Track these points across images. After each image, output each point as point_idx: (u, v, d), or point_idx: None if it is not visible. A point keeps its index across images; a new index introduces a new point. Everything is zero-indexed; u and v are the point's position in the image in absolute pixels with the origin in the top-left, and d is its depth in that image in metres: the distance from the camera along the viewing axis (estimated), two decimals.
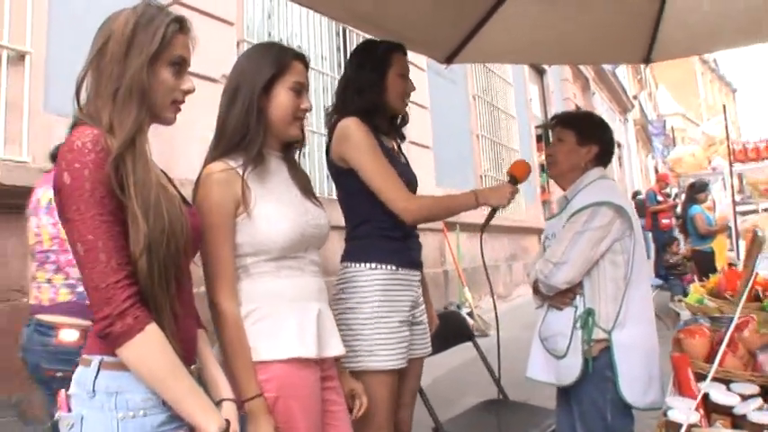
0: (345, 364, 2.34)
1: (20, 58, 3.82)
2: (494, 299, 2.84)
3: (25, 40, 3.84)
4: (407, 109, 2.73)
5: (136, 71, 1.50)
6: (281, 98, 2.01)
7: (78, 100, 1.55)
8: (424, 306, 2.68)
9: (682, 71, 45.42)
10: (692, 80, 50.60)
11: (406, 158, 2.77)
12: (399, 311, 2.45)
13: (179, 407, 1.46)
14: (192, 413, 1.46)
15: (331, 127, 2.57)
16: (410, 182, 2.59)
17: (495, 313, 2.75)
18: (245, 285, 1.93)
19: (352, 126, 2.45)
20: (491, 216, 2.63)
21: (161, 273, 1.46)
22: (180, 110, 1.66)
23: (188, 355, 1.58)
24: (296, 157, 2.19)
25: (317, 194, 2.25)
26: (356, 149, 2.44)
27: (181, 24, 1.61)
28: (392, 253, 2.49)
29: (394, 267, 2.47)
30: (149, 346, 1.42)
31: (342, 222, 2.63)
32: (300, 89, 2.04)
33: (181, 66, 1.61)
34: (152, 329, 1.42)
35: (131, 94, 1.50)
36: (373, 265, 2.45)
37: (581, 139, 2.80)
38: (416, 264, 2.62)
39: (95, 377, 1.45)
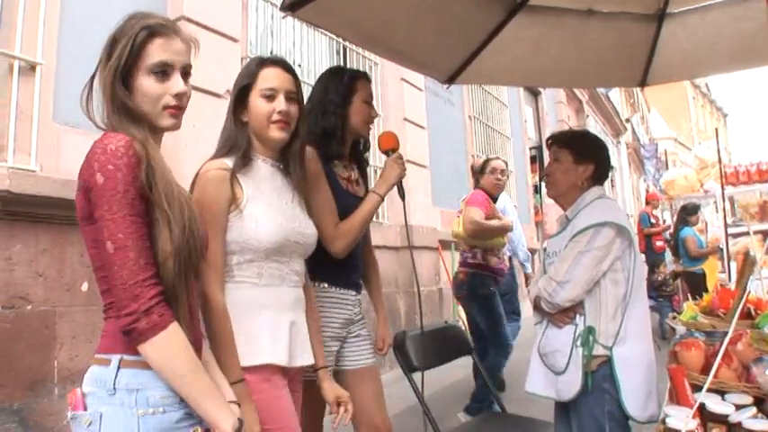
0: None
1: (31, 69, 3.86)
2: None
3: (36, 51, 3.89)
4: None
5: (111, 89, 1.56)
6: (254, 105, 2.15)
7: (88, 109, 1.61)
8: (362, 321, 2.77)
9: (674, 95, 45.73)
10: (684, 104, 50.85)
11: (366, 186, 2.85)
12: (328, 326, 2.55)
13: (197, 404, 1.51)
14: (209, 410, 1.51)
15: None
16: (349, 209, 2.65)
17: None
18: (228, 290, 2.01)
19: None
20: (400, 189, 2.67)
21: (182, 274, 1.53)
22: (177, 113, 1.67)
23: (197, 354, 1.64)
24: (296, 165, 2.26)
25: None
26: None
27: (153, 29, 1.61)
28: (327, 273, 2.59)
29: (326, 285, 2.59)
30: (172, 343, 1.47)
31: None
32: (272, 94, 2.14)
33: (165, 70, 1.62)
34: (175, 328, 1.47)
35: (119, 112, 1.57)
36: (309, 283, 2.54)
37: (577, 158, 2.85)
38: (353, 284, 2.73)
39: (116, 375, 1.49)
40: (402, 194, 2.69)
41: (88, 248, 1.54)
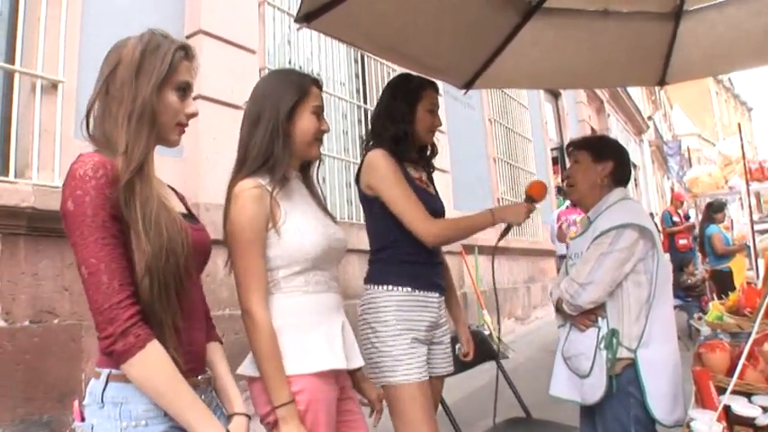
0: (374, 378, 2.50)
1: (53, 86, 3.92)
2: (499, 319, 2.91)
3: (58, 69, 3.94)
4: (436, 139, 2.86)
5: (147, 95, 1.59)
6: (305, 122, 2.12)
7: (88, 124, 1.63)
8: (446, 327, 2.78)
9: (696, 91, 45.27)
10: (707, 100, 50.36)
11: (435, 189, 2.90)
12: (414, 330, 2.56)
13: (180, 419, 1.54)
14: (192, 424, 1.53)
15: (363, 156, 2.72)
16: (435, 210, 2.70)
17: (499, 332, 2.80)
18: (276, 300, 2.01)
19: (378, 157, 2.62)
20: (505, 233, 2.78)
21: (161, 289, 1.54)
22: (184, 132, 1.74)
23: (195, 366, 1.67)
24: (313, 175, 2.30)
25: (338, 219, 2.34)
26: (381, 178, 2.59)
27: (186, 51, 1.70)
28: (408, 276, 2.61)
29: (409, 289, 2.59)
30: (150, 362, 1.49)
31: (360, 246, 2.72)
32: (320, 112, 2.16)
33: (185, 90, 1.70)
34: (152, 347, 1.50)
35: (142, 118, 1.58)
36: (389, 287, 2.58)
37: (596, 156, 2.87)
38: (436, 286, 2.72)
39: (104, 388, 1.55)
40: (503, 235, 2.79)
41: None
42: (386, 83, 2.91)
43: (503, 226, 2.73)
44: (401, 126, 2.69)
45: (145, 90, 1.59)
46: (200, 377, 1.69)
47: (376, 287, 2.61)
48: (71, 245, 1.50)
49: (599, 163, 2.85)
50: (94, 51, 4.13)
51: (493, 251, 2.77)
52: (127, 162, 1.53)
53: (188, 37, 4.85)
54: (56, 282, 3.73)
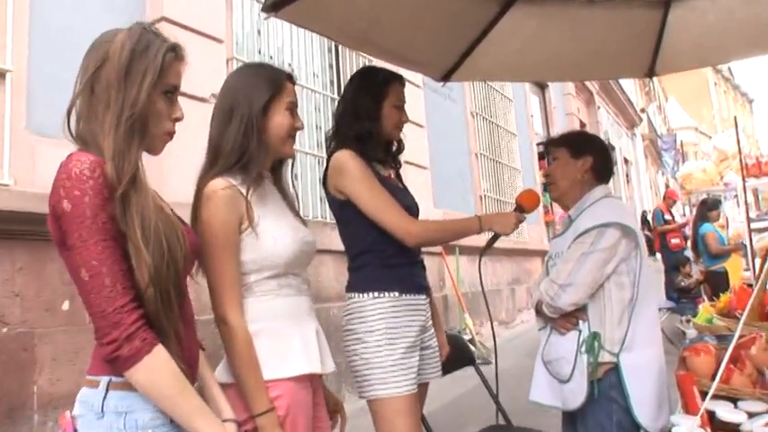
0: (361, 393, 2.55)
1: (0, 76, 3.90)
2: (492, 326, 2.96)
3: (5, 58, 3.91)
4: (402, 134, 2.88)
5: (139, 100, 1.59)
6: (279, 118, 2.15)
7: (69, 123, 1.63)
8: (433, 330, 2.82)
9: (693, 82, 45.40)
10: (705, 91, 50.52)
11: (404, 185, 2.93)
12: (406, 337, 2.58)
13: (188, 425, 1.57)
14: (201, 429, 1.56)
15: (327, 157, 2.75)
16: (410, 207, 2.74)
17: (494, 337, 2.84)
18: (249, 304, 2.04)
19: (347, 158, 2.62)
20: (492, 242, 2.78)
21: (164, 298, 1.56)
22: (170, 140, 1.75)
23: (192, 374, 1.70)
24: (285, 174, 2.33)
25: (311, 218, 2.37)
26: (352, 180, 2.61)
27: (176, 52, 1.70)
28: (394, 280, 2.63)
29: (397, 294, 2.61)
30: (158, 367, 1.52)
31: (334, 246, 2.73)
32: (294, 108, 2.20)
33: (173, 94, 1.71)
34: (159, 351, 1.52)
35: (133, 127, 1.59)
36: (376, 294, 2.60)
37: (574, 152, 2.92)
38: (422, 288, 2.76)
39: (104, 397, 1.55)
40: (489, 245, 2.79)
41: (69, 274, 1.57)
42: (398, 78, 2.89)
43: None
44: (366, 124, 2.70)
45: (134, 95, 1.59)
46: (194, 385, 1.72)
47: (360, 295, 2.62)
48: (66, 248, 1.51)
49: (578, 159, 2.90)
50: (45, 38, 4.16)
51: (479, 261, 2.77)
52: (117, 172, 1.53)
53: (140, 22, 4.81)
54: (5, 287, 3.70)
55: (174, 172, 4.29)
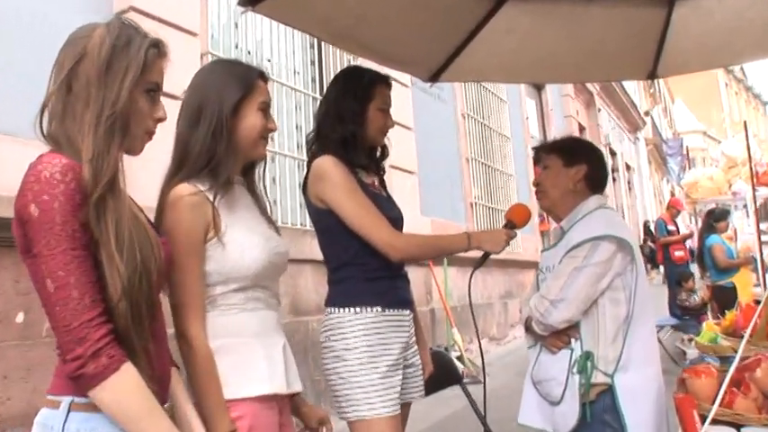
0: (341, 414, 2.55)
1: None
2: (479, 340, 2.97)
3: None
4: (387, 138, 2.89)
5: (119, 100, 1.59)
6: (251, 119, 2.15)
7: (42, 122, 1.62)
8: (416, 347, 2.83)
9: (702, 83, 45.20)
10: (715, 93, 50.37)
11: (388, 193, 2.95)
12: (389, 355, 2.60)
13: None
14: None
15: (308, 162, 2.77)
16: (395, 218, 2.77)
17: (481, 354, 2.86)
18: (212, 318, 2.03)
19: (328, 164, 2.64)
20: (482, 261, 2.78)
21: (135, 313, 1.55)
22: (149, 141, 1.75)
23: (162, 393, 1.69)
24: (257, 178, 2.33)
25: (290, 225, 2.38)
26: (334, 188, 2.62)
27: (159, 48, 1.71)
28: (377, 294, 2.65)
29: (380, 309, 2.63)
30: (125, 386, 1.50)
31: (314, 255, 2.74)
32: (266, 108, 2.20)
33: (155, 93, 1.71)
34: (127, 369, 1.51)
35: (113, 126, 1.58)
36: (358, 309, 2.61)
37: (567, 160, 2.94)
38: (406, 302, 2.77)
39: (65, 419, 1.53)
40: (479, 264, 2.78)
41: (33, 283, 1.56)
42: (385, 79, 2.90)
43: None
44: (350, 127, 2.71)
45: (116, 93, 1.59)
46: (165, 405, 1.70)
47: (341, 310, 2.63)
48: (32, 256, 1.50)
49: (571, 167, 2.91)
50: (7, 31, 4.12)
51: (469, 280, 2.79)
52: (94, 175, 1.52)
53: (119, 15, 4.80)
54: None
55: (142, 173, 4.22)
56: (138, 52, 1.64)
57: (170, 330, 1.91)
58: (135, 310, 1.55)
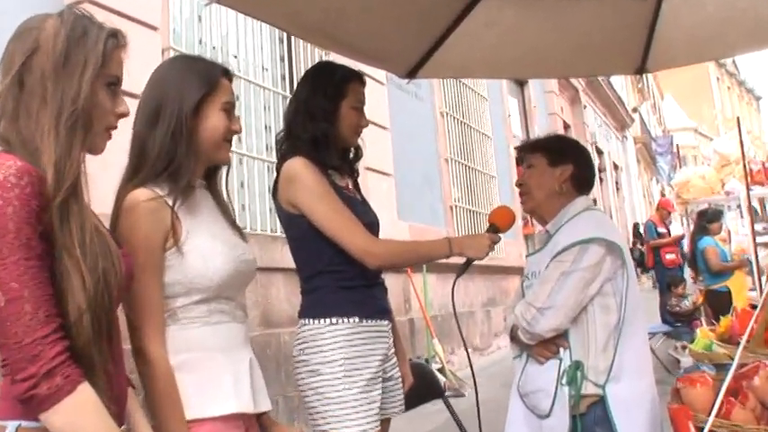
0: (316, 431, 2.53)
1: None
2: (467, 351, 2.97)
3: None
4: (361, 138, 2.89)
5: (81, 94, 1.56)
6: (213, 120, 2.12)
7: None
8: (395, 360, 2.83)
9: (693, 77, 45.44)
10: (706, 87, 50.64)
11: (363, 196, 2.94)
12: (367, 368, 2.59)
13: None
14: None
15: (278, 164, 2.75)
16: (371, 223, 2.76)
17: (471, 365, 2.85)
18: (172, 332, 2.00)
19: (299, 166, 2.63)
20: (465, 268, 2.79)
21: (95, 329, 1.52)
22: (110, 138, 1.72)
23: (119, 414, 1.66)
24: (221, 180, 2.31)
25: (260, 231, 2.36)
26: (305, 192, 2.61)
27: (117, 39, 1.68)
28: (354, 304, 2.64)
29: (357, 320, 2.62)
30: (81, 408, 1.46)
31: (285, 263, 2.72)
32: (230, 109, 2.17)
33: (116, 86, 1.68)
34: (83, 389, 1.46)
35: (76, 124, 1.55)
36: (334, 320, 2.60)
37: (552, 159, 2.94)
38: (384, 312, 2.77)
39: None
40: (462, 271, 2.78)
41: None
42: (358, 76, 2.89)
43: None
44: (322, 126, 2.70)
45: (75, 89, 1.56)
46: (122, 428, 1.66)
47: (315, 321, 2.62)
48: None
49: (556, 167, 2.92)
50: None
51: (452, 289, 2.77)
52: (57, 178, 1.49)
53: (71, 6, 4.77)
54: None
55: (100, 177, 4.22)
56: (97, 44, 1.61)
57: (126, 346, 1.90)
58: (95, 326, 1.52)
